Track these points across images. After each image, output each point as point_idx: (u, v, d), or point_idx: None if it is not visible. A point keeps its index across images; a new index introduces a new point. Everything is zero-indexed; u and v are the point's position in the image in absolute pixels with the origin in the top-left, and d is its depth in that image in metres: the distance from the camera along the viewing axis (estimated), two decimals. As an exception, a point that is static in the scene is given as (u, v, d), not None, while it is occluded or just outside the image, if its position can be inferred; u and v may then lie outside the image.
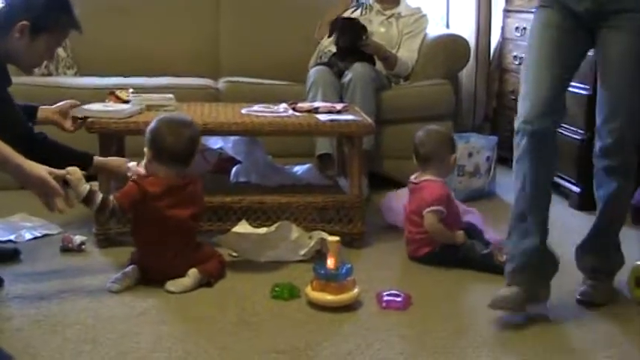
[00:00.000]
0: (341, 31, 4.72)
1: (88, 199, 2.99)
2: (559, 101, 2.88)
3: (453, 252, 3.47)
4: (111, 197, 3.10)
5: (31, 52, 3.24)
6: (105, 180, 3.51)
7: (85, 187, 2.97)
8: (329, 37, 4.83)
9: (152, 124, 3.22)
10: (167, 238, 3.15)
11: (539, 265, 2.92)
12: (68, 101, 3.69)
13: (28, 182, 2.78)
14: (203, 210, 3.38)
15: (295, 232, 3.50)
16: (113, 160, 3.47)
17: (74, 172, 2.93)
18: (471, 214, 3.80)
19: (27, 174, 2.76)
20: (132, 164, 3.35)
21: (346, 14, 5.08)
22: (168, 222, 3.14)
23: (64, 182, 2.88)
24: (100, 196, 3.03)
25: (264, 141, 4.24)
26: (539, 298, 2.94)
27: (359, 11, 5.14)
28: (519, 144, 2.87)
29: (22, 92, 4.53)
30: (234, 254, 3.48)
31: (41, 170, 2.77)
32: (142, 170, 3.24)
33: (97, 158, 3.41)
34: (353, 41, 4.71)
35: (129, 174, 3.30)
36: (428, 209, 3.48)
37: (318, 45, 5.17)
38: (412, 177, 3.66)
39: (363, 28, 4.76)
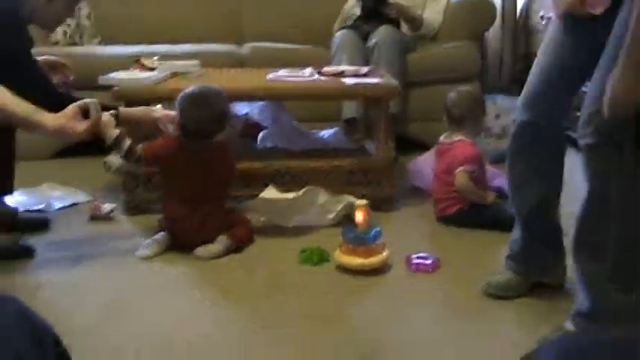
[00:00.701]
0: None
1: (116, 141, 3.07)
2: (553, 97, 2.56)
3: (482, 211, 3.47)
4: (139, 146, 3.15)
5: (50, 11, 3.22)
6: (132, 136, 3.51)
7: (115, 130, 3.05)
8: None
9: (180, 94, 3.23)
10: (192, 204, 3.17)
11: (529, 256, 2.77)
12: (58, 58, 3.62)
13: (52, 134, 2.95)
14: (232, 177, 3.37)
15: (323, 196, 3.49)
16: (139, 110, 3.45)
17: (104, 115, 3.01)
18: (500, 178, 3.78)
19: (47, 130, 2.88)
20: (158, 107, 3.35)
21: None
22: (192, 185, 3.17)
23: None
24: (128, 142, 3.09)
25: (290, 105, 4.23)
26: (548, 282, 2.80)
27: (384, -26, 5.10)
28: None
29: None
30: (263, 219, 3.48)
31: (58, 120, 2.88)
32: (169, 114, 3.28)
33: (123, 109, 3.37)
34: (378, 1, 4.68)
35: (157, 115, 3.31)
36: (460, 168, 3.48)
37: (342, 8, 5.14)
38: (442, 137, 3.65)
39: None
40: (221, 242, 3.17)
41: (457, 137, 3.59)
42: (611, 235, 2.28)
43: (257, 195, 3.42)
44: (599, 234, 2.31)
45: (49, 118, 2.87)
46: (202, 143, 3.20)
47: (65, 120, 2.88)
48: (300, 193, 3.41)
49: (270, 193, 3.43)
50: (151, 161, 3.23)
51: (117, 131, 3.07)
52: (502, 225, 3.20)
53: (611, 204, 2.27)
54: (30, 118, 2.84)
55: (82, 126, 2.89)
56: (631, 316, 2.29)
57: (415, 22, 4.86)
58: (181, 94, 3.22)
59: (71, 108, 2.90)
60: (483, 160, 3.63)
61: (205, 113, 3.17)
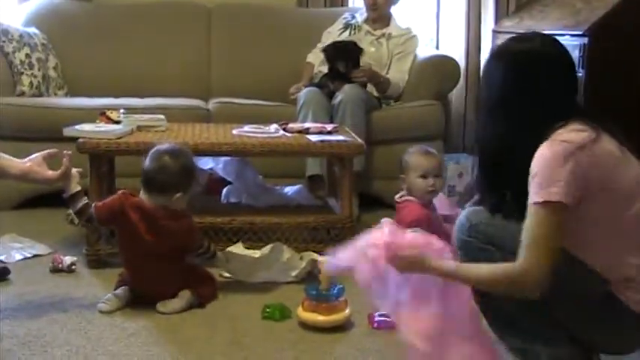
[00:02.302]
0: (340, 56, 4.73)
1: (73, 197, 3.08)
2: None
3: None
4: (92, 205, 3.13)
5: None
6: (96, 189, 3.52)
7: (77, 186, 3.08)
8: (329, 64, 4.84)
9: (152, 149, 3.24)
10: (152, 262, 3.14)
11: None
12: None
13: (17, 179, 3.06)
14: (190, 245, 3.30)
15: (287, 253, 3.49)
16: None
17: (73, 170, 3.05)
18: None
19: (12, 174, 2.99)
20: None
21: (334, 37, 5.09)
22: (147, 246, 3.13)
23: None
24: (83, 201, 3.10)
25: (255, 162, 4.24)
26: None
27: (348, 32, 5.15)
28: None
29: (13, 113, 4.56)
30: (226, 275, 3.47)
31: (20, 167, 2.99)
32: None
33: None
34: (354, 64, 4.72)
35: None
36: (408, 229, 3.49)
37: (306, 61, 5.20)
38: (397, 196, 3.67)
39: (358, 49, 4.78)
40: (183, 297, 3.15)
41: (404, 197, 3.60)
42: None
43: (220, 250, 3.40)
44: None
45: (16, 164, 2.96)
46: (160, 210, 3.16)
47: (31, 165, 2.97)
48: (266, 250, 3.41)
49: (237, 248, 3.42)
50: (103, 221, 3.20)
51: (78, 187, 3.08)
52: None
53: None
54: None
55: (50, 173, 2.99)
56: None
57: (383, 85, 4.91)
58: (153, 148, 3.23)
59: (39, 154, 3.00)
60: (436, 221, 3.59)
61: (174, 163, 3.15)
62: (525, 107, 2.30)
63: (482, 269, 2.27)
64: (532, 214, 2.18)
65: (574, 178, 2.15)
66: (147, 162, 3.18)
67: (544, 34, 2.40)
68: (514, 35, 2.46)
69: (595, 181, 2.17)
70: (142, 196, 3.17)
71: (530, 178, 2.20)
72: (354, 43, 4.87)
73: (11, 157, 2.98)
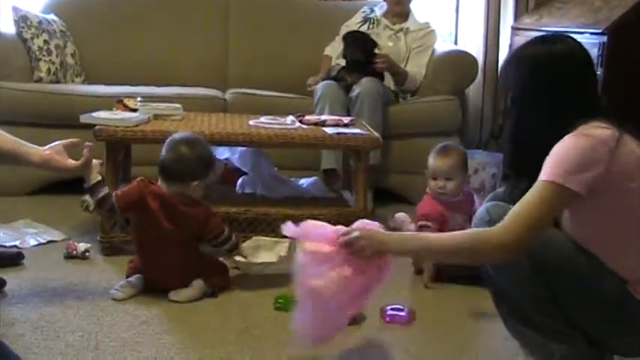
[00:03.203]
0: (353, 44, 4.72)
1: (94, 187, 3.09)
2: None
3: (460, 266, 3.45)
4: (113, 194, 3.14)
5: None
6: (112, 176, 3.54)
7: (97, 176, 3.09)
8: (345, 51, 4.83)
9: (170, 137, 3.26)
10: (166, 250, 3.15)
11: None
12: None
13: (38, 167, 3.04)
14: (208, 233, 3.28)
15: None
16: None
17: (93, 159, 3.06)
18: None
19: (33, 162, 2.98)
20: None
21: (354, 29, 5.08)
22: (164, 234, 3.14)
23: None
24: (105, 191, 3.11)
25: (271, 153, 4.24)
26: None
27: (366, 25, 5.14)
28: None
29: (31, 99, 4.57)
30: (238, 259, 3.42)
31: (40, 154, 2.98)
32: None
33: None
34: (365, 54, 4.71)
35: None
36: (418, 223, 3.51)
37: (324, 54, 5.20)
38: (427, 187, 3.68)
39: (373, 42, 4.77)
40: (196, 287, 3.15)
41: (428, 190, 3.61)
42: None
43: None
44: None
45: (36, 151, 2.96)
46: (178, 196, 3.17)
47: (51, 153, 2.97)
48: (283, 252, 3.34)
49: (254, 242, 3.40)
50: (124, 210, 3.19)
51: (99, 177, 3.09)
52: (481, 280, 3.20)
53: None
54: (17, 150, 2.90)
55: (70, 162, 2.99)
56: None
57: (400, 77, 4.90)
58: (169, 137, 3.24)
59: (59, 143, 3.01)
60: (452, 219, 3.59)
61: (191, 152, 3.17)
62: (550, 106, 2.30)
63: (457, 235, 2.34)
64: (539, 189, 2.18)
65: (592, 170, 2.14)
66: (163, 151, 3.19)
67: (568, 36, 2.39)
68: (538, 36, 2.46)
69: (615, 178, 2.17)
70: (160, 184, 3.18)
71: (547, 158, 2.19)
72: (369, 34, 4.87)
73: (33, 145, 2.99)
